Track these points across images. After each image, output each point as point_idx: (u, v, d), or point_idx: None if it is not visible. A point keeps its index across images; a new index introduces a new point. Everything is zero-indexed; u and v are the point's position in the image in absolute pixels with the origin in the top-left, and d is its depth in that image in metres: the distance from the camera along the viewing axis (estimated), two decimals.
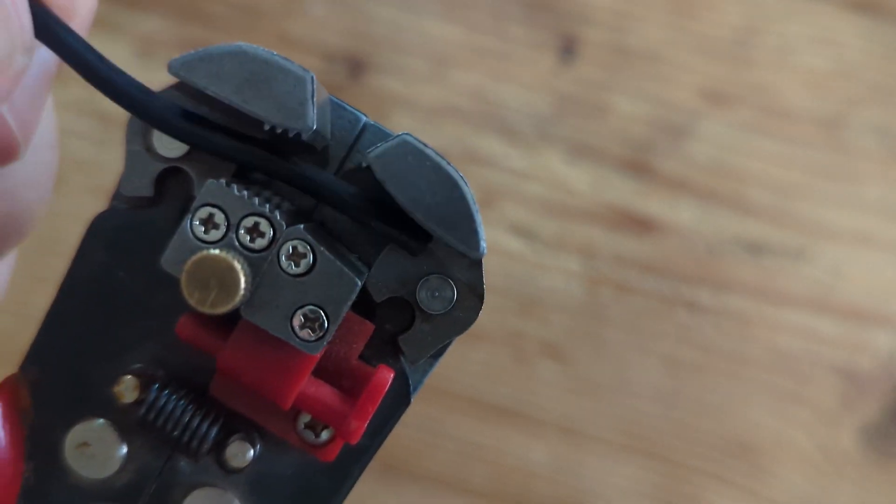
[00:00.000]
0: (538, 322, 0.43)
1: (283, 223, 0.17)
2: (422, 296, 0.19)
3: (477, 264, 0.19)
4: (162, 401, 0.19)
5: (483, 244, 0.18)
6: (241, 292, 0.17)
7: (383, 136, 0.19)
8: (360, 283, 0.18)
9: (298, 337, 0.18)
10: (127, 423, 0.19)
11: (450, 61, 0.43)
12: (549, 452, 0.43)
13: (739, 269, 0.43)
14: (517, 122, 0.43)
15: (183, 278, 0.17)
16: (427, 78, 0.43)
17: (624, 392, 0.43)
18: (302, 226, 0.18)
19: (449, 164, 0.18)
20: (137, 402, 0.19)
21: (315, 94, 0.17)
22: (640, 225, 0.43)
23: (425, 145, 0.18)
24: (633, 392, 0.43)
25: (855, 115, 0.43)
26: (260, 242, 0.17)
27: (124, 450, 0.19)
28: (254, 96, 0.17)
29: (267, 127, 0.18)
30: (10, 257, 0.21)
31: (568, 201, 0.43)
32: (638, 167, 0.43)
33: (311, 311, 0.17)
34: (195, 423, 0.19)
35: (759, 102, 0.43)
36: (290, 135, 0.18)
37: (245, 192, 0.17)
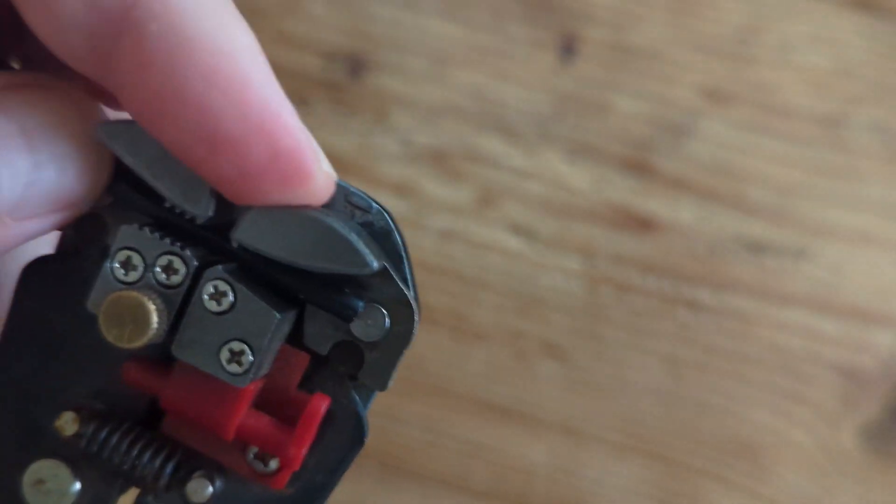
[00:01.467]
0: (538, 322, 0.43)
1: (194, 259, 0.18)
2: (358, 330, 0.19)
3: (386, 276, 0.19)
4: (102, 433, 0.20)
5: (368, 258, 0.19)
6: (154, 326, 0.18)
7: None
8: (278, 316, 0.18)
9: (227, 371, 0.19)
10: (75, 457, 0.20)
11: (450, 60, 0.43)
12: (549, 452, 0.43)
13: (740, 268, 0.43)
14: (517, 122, 0.43)
15: (100, 317, 0.18)
16: (427, 77, 0.43)
17: (624, 392, 0.43)
18: (221, 266, 0.19)
19: (299, 207, 0.19)
20: (78, 435, 0.20)
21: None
22: (640, 224, 0.43)
23: (271, 207, 0.19)
24: (633, 392, 0.43)
25: (856, 113, 0.43)
26: (174, 279, 0.19)
27: (77, 484, 0.20)
28: (163, 174, 0.18)
29: (168, 204, 0.19)
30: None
31: (568, 200, 0.43)
32: (638, 166, 0.43)
33: (235, 345, 0.19)
34: (145, 455, 0.20)
35: (760, 101, 0.43)
36: (187, 217, 0.19)
37: (157, 234, 0.19)
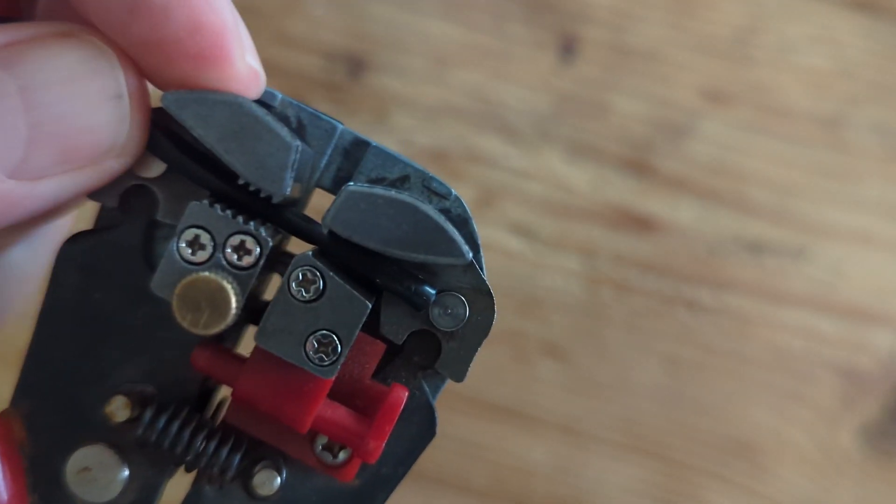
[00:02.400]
0: (538, 322, 0.43)
1: (269, 239, 0.18)
2: (437, 320, 0.19)
3: (471, 267, 0.19)
4: (161, 421, 0.19)
5: (464, 247, 0.18)
6: (233, 311, 0.17)
7: (360, 143, 0.19)
8: (370, 305, 0.18)
9: (312, 362, 0.18)
10: (124, 443, 0.19)
11: (450, 61, 0.43)
12: (549, 452, 0.43)
13: (739, 268, 0.43)
14: (517, 122, 0.43)
15: (174, 302, 0.17)
16: (427, 77, 0.43)
17: (624, 392, 0.43)
18: (310, 252, 0.18)
19: (399, 191, 0.18)
20: (131, 421, 0.19)
21: (297, 162, 0.18)
22: (640, 224, 0.43)
23: (371, 186, 0.18)
24: (633, 392, 0.43)
25: (855, 113, 0.43)
26: (247, 260, 0.18)
27: (126, 471, 0.20)
28: (237, 149, 0.18)
29: (241, 181, 0.18)
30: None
31: (568, 201, 0.43)
32: (638, 166, 0.43)
33: (323, 335, 0.18)
34: (209, 445, 0.19)
35: (759, 101, 0.43)
36: (262, 195, 0.18)
37: (229, 212, 0.18)
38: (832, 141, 0.43)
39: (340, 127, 0.19)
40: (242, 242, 0.18)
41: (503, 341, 0.43)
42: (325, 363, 0.18)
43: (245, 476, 0.20)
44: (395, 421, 0.18)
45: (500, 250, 0.43)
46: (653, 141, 0.43)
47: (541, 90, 0.43)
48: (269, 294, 0.20)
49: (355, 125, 0.44)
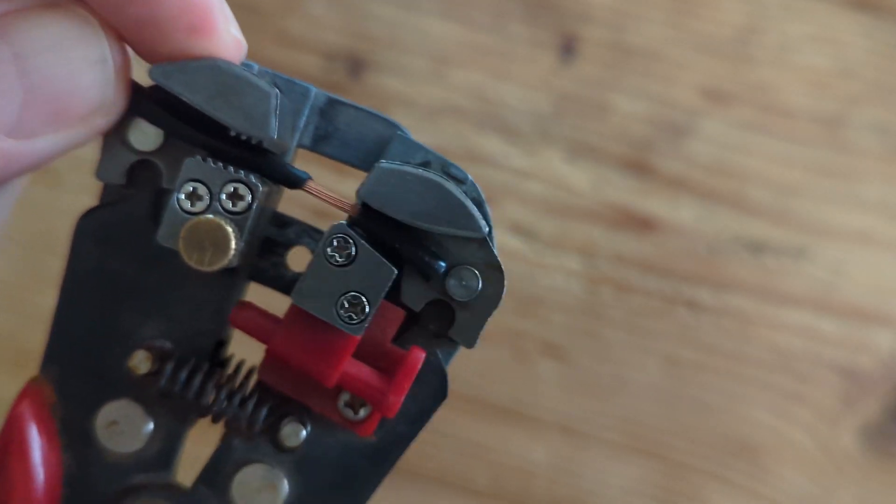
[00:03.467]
0: (538, 322, 0.43)
1: (259, 184, 0.20)
2: (452, 290, 0.21)
3: (485, 243, 0.21)
4: (183, 373, 0.21)
5: (481, 223, 0.20)
6: (233, 247, 0.19)
7: (333, 102, 0.22)
8: (395, 272, 0.20)
9: (343, 320, 0.20)
10: (148, 396, 0.22)
11: (450, 60, 0.43)
12: (549, 452, 0.43)
13: (740, 268, 0.43)
14: (517, 121, 0.43)
15: (181, 245, 0.19)
16: (427, 77, 0.43)
17: (624, 392, 0.43)
18: (344, 221, 0.20)
19: (426, 170, 0.21)
20: (152, 374, 0.21)
21: (278, 108, 0.20)
22: (640, 224, 0.43)
23: (401, 164, 0.21)
24: (633, 392, 0.43)
25: (856, 113, 0.43)
26: (241, 205, 0.20)
27: (151, 423, 0.22)
28: (223, 105, 0.20)
29: (233, 133, 0.20)
30: (16, 187, 0.24)
31: (568, 200, 0.43)
32: (638, 166, 0.43)
33: (353, 297, 0.20)
34: (236, 399, 0.21)
35: (760, 101, 0.43)
36: (253, 142, 0.20)
37: (220, 164, 0.20)
38: (833, 140, 0.43)
39: (314, 89, 0.22)
40: (235, 189, 0.20)
41: (503, 341, 0.43)
42: (354, 322, 0.20)
43: (272, 431, 0.22)
44: (413, 378, 0.21)
45: (501, 250, 0.43)
46: (653, 140, 0.43)
47: (541, 90, 0.43)
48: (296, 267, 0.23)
49: None
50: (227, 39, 0.20)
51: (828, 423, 0.43)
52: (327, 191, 0.21)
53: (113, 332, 0.22)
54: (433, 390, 0.22)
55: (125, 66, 0.20)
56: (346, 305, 0.20)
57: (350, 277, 0.20)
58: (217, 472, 0.22)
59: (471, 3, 0.43)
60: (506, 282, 0.21)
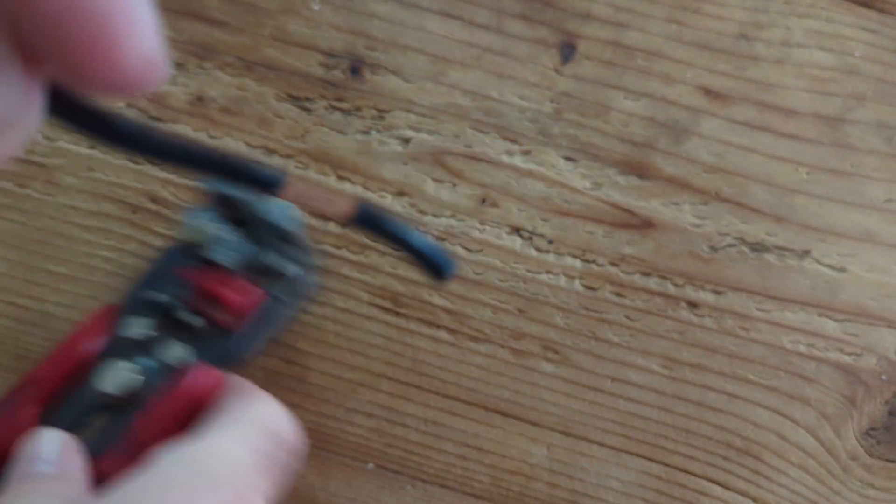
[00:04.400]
0: (538, 322, 0.43)
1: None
2: (273, 262, 0.36)
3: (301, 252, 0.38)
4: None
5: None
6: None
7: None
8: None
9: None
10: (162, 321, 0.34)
11: (450, 59, 0.43)
12: (549, 453, 0.43)
13: (742, 268, 0.43)
14: (517, 121, 0.43)
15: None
16: (427, 77, 0.43)
17: (624, 392, 0.43)
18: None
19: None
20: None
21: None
22: (640, 224, 0.43)
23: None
24: (633, 392, 0.43)
25: (859, 112, 0.43)
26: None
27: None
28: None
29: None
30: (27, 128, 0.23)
31: (568, 200, 0.43)
32: (639, 166, 0.43)
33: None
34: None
35: (762, 99, 0.43)
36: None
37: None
38: (836, 140, 0.43)
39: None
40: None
41: (503, 341, 0.43)
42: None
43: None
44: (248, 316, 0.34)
45: (501, 250, 0.43)
46: (654, 139, 0.43)
47: (541, 89, 0.43)
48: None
49: (355, 125, 0.44)
50: (131, 62, 0.15)
51: (831, 425, 0.42)
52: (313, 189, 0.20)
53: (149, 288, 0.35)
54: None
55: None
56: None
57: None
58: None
59: (471, 2, 0.43)
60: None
